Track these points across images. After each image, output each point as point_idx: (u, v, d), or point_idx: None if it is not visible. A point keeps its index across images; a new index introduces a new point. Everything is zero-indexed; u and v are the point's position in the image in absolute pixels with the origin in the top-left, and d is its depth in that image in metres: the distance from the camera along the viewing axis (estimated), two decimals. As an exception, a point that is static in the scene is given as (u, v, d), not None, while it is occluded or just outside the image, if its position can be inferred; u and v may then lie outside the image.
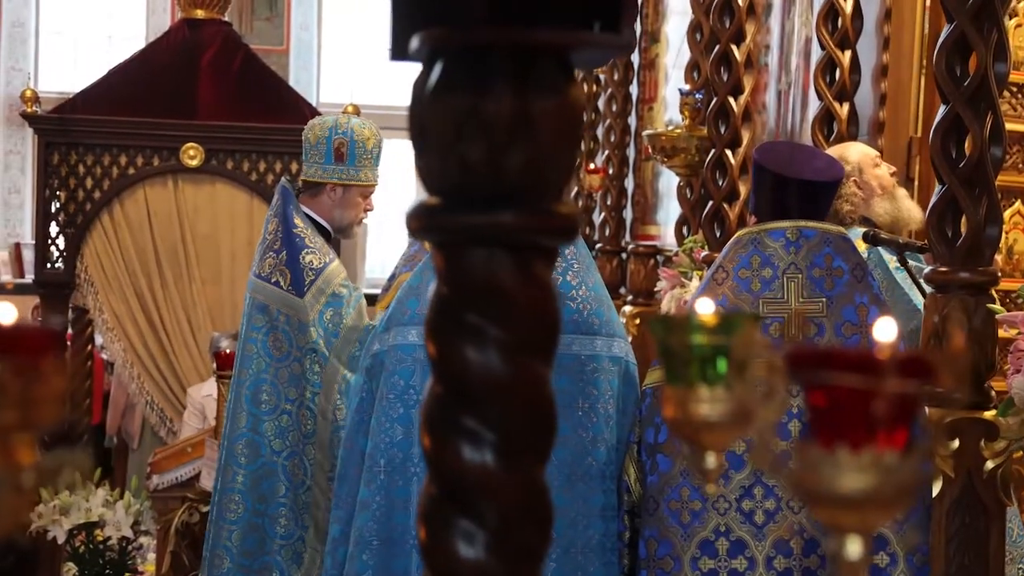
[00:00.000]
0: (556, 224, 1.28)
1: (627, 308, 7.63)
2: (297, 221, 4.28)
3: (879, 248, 4.08)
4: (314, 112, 7.49)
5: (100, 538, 6.69)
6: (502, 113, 1.22)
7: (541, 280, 1.28)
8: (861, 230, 4.09)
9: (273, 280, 4.24)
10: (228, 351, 5.11)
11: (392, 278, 4.47)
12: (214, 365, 6.16)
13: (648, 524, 3.29)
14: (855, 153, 4.45)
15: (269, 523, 4.19)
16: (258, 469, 4.19)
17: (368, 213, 4.57)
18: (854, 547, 0.76)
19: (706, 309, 1.02)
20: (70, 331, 7.96)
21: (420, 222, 1.29)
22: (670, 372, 1.02)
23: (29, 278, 9.36)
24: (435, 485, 1.31)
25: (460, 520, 1.28)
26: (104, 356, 8.80)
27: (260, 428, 4.20)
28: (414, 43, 1.27)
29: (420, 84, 1.27)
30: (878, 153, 4.63)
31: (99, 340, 7.99)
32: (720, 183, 5.40)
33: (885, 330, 0.78)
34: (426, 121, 1.26)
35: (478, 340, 1.27)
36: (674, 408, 1.01)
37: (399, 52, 1.30)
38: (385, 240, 13.43)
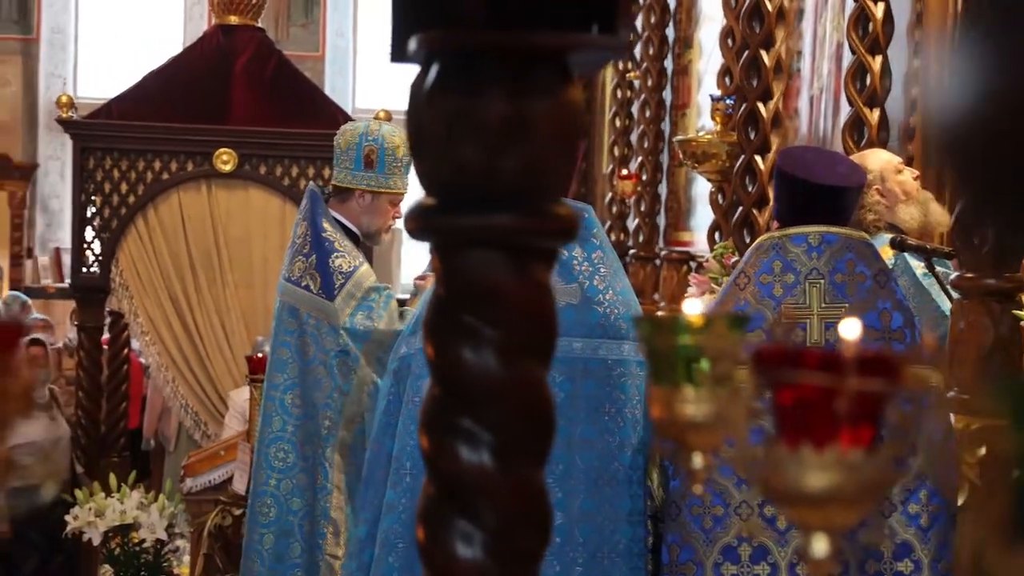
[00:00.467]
0: (553, 226, 1.28)
1: (660, 314, 7.61)
2: (325, 225, 4.28)
3: (906, 254, 4.06)
4: (347, 118, 7.51)
5: (135, 540, 6.74)
6: (496, 115, 1.22)
7: (538, 282, 1.29)
8: (888, 236, 4.06)
9: (303, 284, 4.24)
10: (261, 355, 5.14)
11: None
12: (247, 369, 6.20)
13: (670, 529, 3.28)
14: (877, 161, 4.41)
15: (298, 528, 4.20)
16: (291, 473, 4.21)
17: (396, 220, 4.57)
18: (820, 545, 0.76)
19: (693, 310, 1.02)
20: (107, 335, 8.02)
21: (417, 223, 1.30)
22: (656, 372, 1.03)
23: (68, 283, 9.44)
24: (433, 486, 1.31)
25: (458, 521, 1.29)
26: (142, 360, 8.86)
27: (295, 433, 4.22)
28: (412, 45, 1.28)
29: (417, 86, 1.28)
30: (900, 159, 4.59)
31: (136, 344, 8.04)
32: (750, 189, 5.38)
33: (849, 329, 0.78)
34: (422, 123, 1.27)
35: (475, 342, 1.27)
36: (660, 408, 1.01)
37: (399, 54, 1.31)
38: (421, 245, 13.44)
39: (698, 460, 0.99)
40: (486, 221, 1.25)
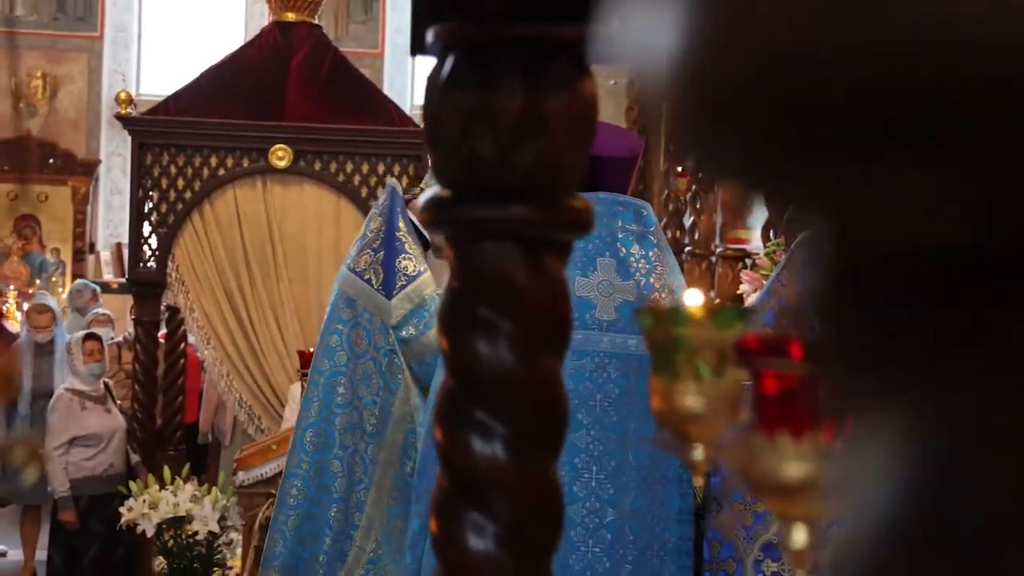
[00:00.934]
0: (567, 219, 1.28)
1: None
2: (401, 225, 4.29)
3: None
4: (401, 114, 7.54)
5: (188, 533, 6.80)
6: (512, 108, 1.22)
7: (552, 274, 1.29)
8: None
9: (366, 277, 4.26)
10: (312, 350, 5.16)
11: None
12: (299, 363, 6.24)
13: (711, 526, 3.27)
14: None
15: (326, 514, 4.22)
16: (323, 459, 4.23)
17: None
18: (799, 535, 0.75)
19: (694, 301, 1.02)
20: (164, 330, 8.10)
21: (432, 215, 1.30)
22: (656, 364, 1.02)
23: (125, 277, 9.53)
24: (447, 478, 1.31)
25: (471, 513, 1.29)
26: (200, 355, 8.93)
27: (333, 420, 4.23)
28: (428, 38, 1.28)
29: (433, 79, 1.28)
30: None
31: (193, 339, 8.11)
32: (802, 186, 5.34)
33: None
34: (438, 115, 1.27)
35: (489, 334, 1.27)
36: (660, 400, 1.01)
37: (418, 47, 1.31)
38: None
39: (698, 452, 0.99)
40: (500, 213, 1.25)
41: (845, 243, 0.36)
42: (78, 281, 12.50)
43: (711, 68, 0.34)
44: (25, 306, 11.44)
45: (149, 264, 7.42)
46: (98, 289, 11.64)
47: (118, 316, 10.76)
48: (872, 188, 0.33)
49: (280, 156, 7.23)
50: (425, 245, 4.39)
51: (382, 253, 4.25)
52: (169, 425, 8.02)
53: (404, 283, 4.21)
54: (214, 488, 6.92)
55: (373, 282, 4.24)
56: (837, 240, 0.36)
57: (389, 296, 4.21)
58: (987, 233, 0.32)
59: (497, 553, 1.28)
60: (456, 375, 1.30)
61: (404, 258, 4.23)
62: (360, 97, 7.56)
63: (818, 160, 0.33)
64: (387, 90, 10.64)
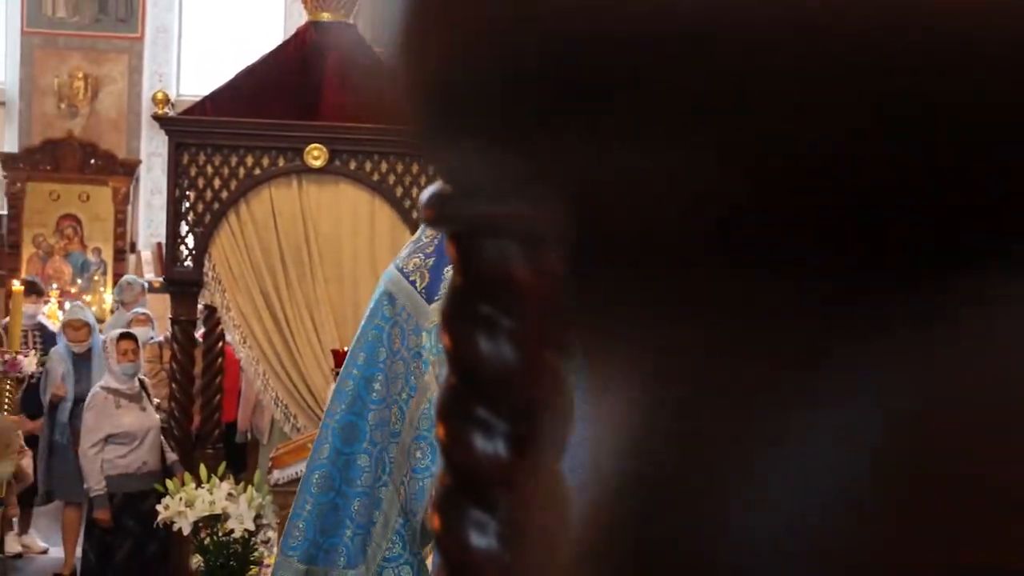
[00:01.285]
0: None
1: None
2: None
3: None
4: (436, 113, 7.55)
5: (225, 531, 6.83)
6: (511, 103, 1.22)
7: (554, 271, 1.28)
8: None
9: (411, 279, 4.29)
10: (347, 349, 5.18)
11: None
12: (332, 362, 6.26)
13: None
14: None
15: (349, 507, 4.24)
16: (352, 453, 4.25)
17: None
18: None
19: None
20: (202, 329, 8.14)
21: (434, 211, 1.29)
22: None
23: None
24: (448, 476, 1.31)
25: (473, 511, 1.28)
26: (237, 354, 8.96)
27: (365, 415, 4.25)
28: (430, 34, 1.27)
29: (434, 75, 1.28)
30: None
31: (229, 338, 8.14)
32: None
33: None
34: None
35: (490, 331, 1.26)
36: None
37: (421, 44, 1.31)
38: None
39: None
40: (501, 210, 1.25)
41: (580, 220, 0.35)
42: (128, 276, 12.58)
43: (433, 36, 0.33)
44: (67, 305, 11.54)
45: (186, 264, 7.46)
46: (146, 285, 11.72)
47: (160, 316, 10.83)
48: (607, 168, 0.32)
49: (315, 156, 7.25)
50: None
51: (433, 259, 4.28)
52: (207, 424, 8.05)
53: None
54: (250, 486, 6.94)
55: (417, 284, 4.26)
56: (572, 217, 0.36)
57: (429, 301, 4.23)
58: (725, 213, 0.31)
59: (500, 550, 1.28)
60: (457, 372, 1.29)
61: (452, 268, 4.25)
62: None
63: (551, 139, 0.32)
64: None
